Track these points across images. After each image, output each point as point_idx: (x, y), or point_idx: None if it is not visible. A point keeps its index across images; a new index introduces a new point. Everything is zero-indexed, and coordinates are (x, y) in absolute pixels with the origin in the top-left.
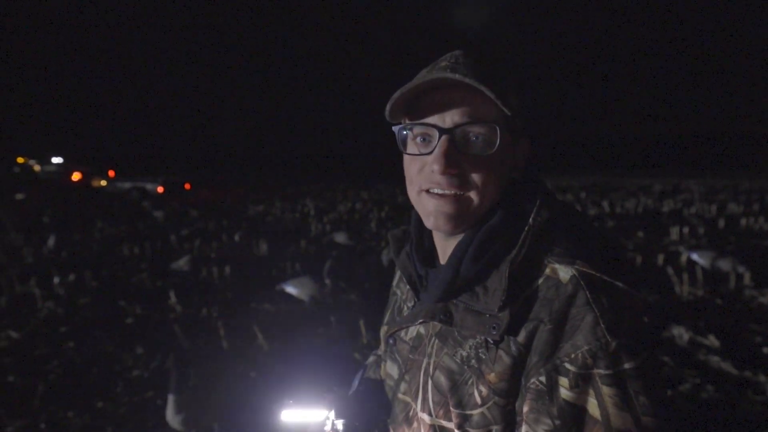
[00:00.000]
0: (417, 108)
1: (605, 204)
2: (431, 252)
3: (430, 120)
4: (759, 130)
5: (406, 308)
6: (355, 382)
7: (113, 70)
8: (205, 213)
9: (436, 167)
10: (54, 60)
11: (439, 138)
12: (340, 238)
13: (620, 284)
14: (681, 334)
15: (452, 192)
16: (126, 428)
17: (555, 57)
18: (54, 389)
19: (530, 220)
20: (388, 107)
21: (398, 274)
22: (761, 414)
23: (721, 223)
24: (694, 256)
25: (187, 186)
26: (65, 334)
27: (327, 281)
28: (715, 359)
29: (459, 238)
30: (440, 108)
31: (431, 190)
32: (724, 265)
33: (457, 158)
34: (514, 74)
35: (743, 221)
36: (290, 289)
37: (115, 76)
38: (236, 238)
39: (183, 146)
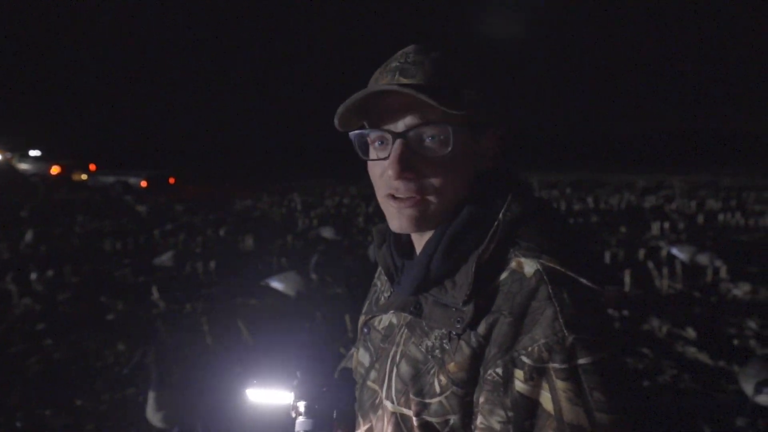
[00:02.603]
0: (374, 111)
1: (590, 200)
2: (409, 245)
3: (385, 124)
4: (738, 127)
5: (383, 299)
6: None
7: (95, 59)
8: (190, 207)
9: (390, 172)
10: (32, 48)
11: (394, 142)
12: (327, 233)
13: (584, 280)
14: (660, 326)
15: (411, 195)
16: (106, 426)
17: (541, 54)
18: (31, 387)
19: (500, 215)
20: (336, 121)
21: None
22: (734, 402)
23: (701, 218)
24: (674, 251)
25: (172, 180)
26: (43, 331)
27: (313, 276)
28: (692, 350)
29: (432, 232)
30: (393, 111)
31: (392, 194)
32: (702, 259)
33: (412, 161)
34: (476, 66)
35: (721, 217)
36: (276, 285)
37: (96, 66)
38: (221, 233)
39: (168, 139)
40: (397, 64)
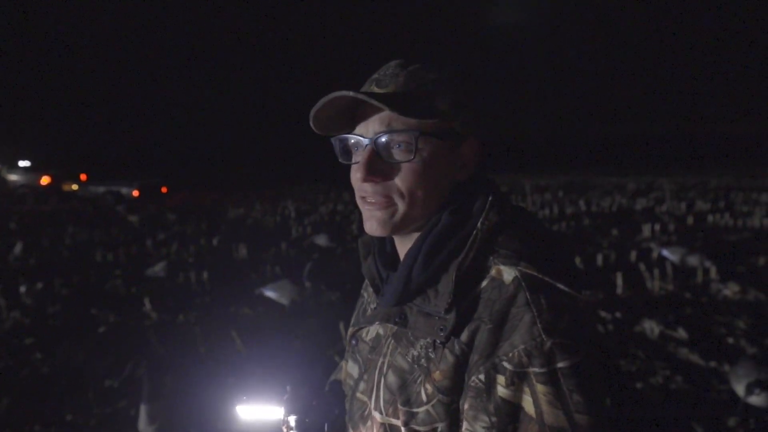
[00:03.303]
0: (355, 119)
1: (582, 203)
2: (393, 256)
3: (357, 130)
4: (726, 130)
5: (369, 310)
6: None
7: (86, 68)
8: (183, 217)
9: (358, 175)
10: (22, 58)
11: (365, 147)
12: (321, 240)
13: (561, 285)
14: (652, 327)
15: (378, 199)
16: None
17: (532, 57)
18: (20, 402)
19: (478, 224)
20: (311, 124)
21: None
22: (725, 402)
23: (690, 220)
24: (665, 253)
25: (164, 189)
26: (32, 345)
27: (307, 284)
28: (683, 351)
29: (412, 242)
30: (367, 119)
31: (363, 197)
32: (693, 260)
33: (379, 166)
34: (453, 77)
35: (710, 218)
36: (270, 293)
37: (87, 74)
38: (215, 242)
39: (159, 148)
40: (377, 75)
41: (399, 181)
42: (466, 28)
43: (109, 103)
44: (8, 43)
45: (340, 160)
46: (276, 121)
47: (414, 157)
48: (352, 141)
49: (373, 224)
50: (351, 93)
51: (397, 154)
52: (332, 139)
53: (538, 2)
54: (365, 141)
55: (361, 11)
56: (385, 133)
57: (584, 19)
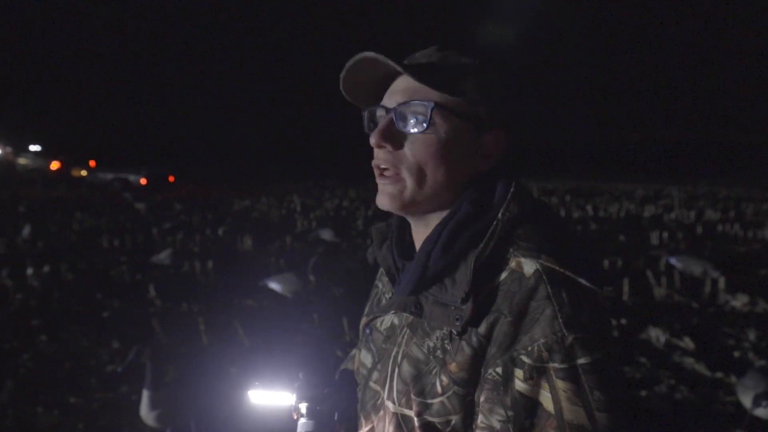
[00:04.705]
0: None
1: (589, 208)
2: (410, 246)
3: (383, 102)
4: (738, 138)
5: (384, 300)
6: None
7: (96, 55)
8: (189, 206)
9: (372, 141)
10: (34, 44)
11: (386, 116)
12: (326, 234)
13: (582, 281)
14: (658, 336)
15: (388, 167)
16: (98, 425)
17: (540, 61)
18: (23, 384)
19: (499, 214)
20: (342, 88)
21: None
22: (731, 414)
23: (699, 229)
24: (673, 261)
25: (172, 178)
26: (37, 328)
27: (311, 278)
28: (689, 361)
29: (430, 230)
30: (393, 90)
31: (376, 165)
32: (701, 269)
33: (393, 133)
34: (485, 65)
35: (720, 227)
36: (273, 285)
37: (98, 62)
38: (220, 232)
39: (168, 137)
40: (418, 54)
41: (409, 152)
42: (471, 31)
43: (121, 92)
44: (22, 28)
45: (365, 131)
46: (284, 116)
47: (427, 129)
48: (375, 110)
49: (384, 198)
50: (372, 54)
51: (412, 125)
52: (364, 112)
53: (548, 8)
54: (386, 110)
55: (367, 16)
56: (405, 103)
57: (595, 24)
